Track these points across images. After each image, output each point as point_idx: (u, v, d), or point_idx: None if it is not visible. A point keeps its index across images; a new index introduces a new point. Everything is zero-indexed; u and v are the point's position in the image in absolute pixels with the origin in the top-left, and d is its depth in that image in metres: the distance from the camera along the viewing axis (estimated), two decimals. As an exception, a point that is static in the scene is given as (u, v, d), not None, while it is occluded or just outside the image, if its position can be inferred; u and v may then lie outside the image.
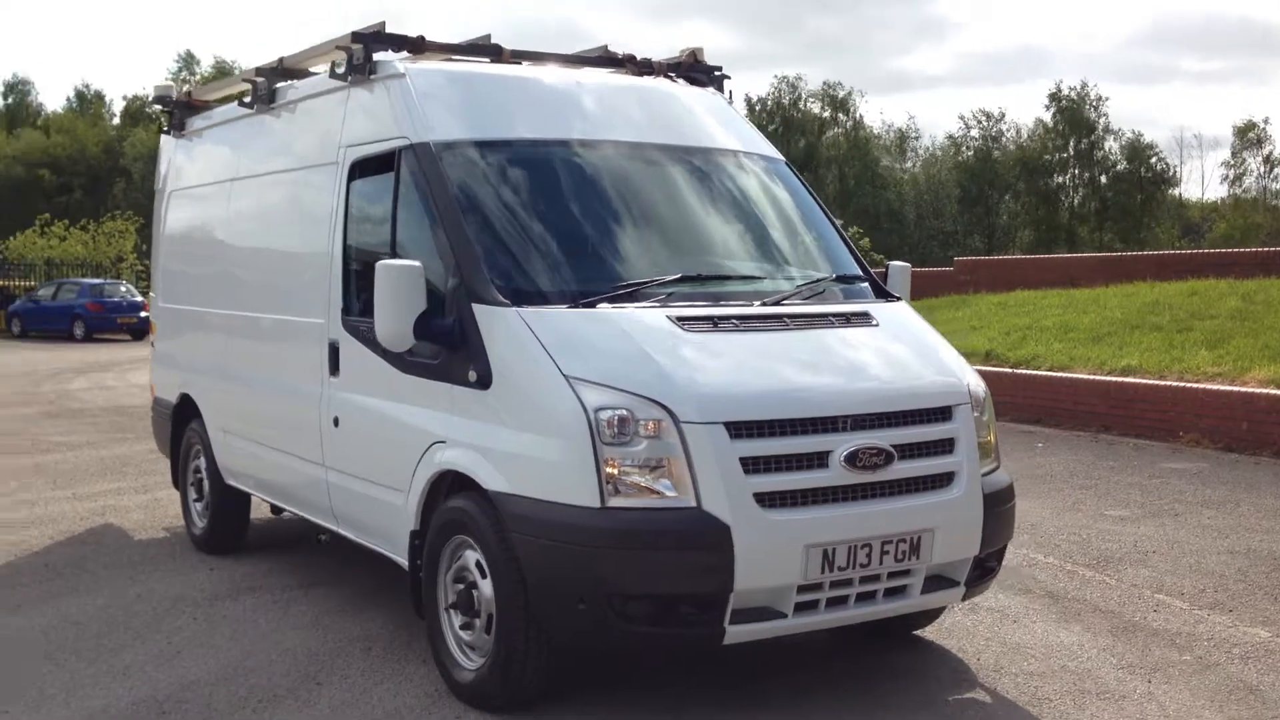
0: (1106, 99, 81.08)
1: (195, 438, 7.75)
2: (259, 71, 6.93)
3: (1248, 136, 66.89)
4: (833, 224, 6.09)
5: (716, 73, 6.62)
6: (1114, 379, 12.96)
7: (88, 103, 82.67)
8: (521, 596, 4.52)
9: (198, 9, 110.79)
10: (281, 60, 6.78)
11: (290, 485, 6.60)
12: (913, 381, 4.98)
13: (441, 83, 5.60)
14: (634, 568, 4.33)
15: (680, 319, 4.76)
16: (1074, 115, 68.52)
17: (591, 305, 4.79)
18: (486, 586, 4.71)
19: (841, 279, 5.68)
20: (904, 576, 4.76)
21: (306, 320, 6.13)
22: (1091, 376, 13.27)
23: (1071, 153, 69.48)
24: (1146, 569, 7.09)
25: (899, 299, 5.76)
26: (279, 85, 6.83)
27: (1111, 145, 69.22)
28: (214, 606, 6.38)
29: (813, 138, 71.21)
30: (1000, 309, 18.45)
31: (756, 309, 5.05)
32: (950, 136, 74.03)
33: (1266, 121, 77.13)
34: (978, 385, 5.20)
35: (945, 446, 4.89)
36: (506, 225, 5.13)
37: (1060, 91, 68.65)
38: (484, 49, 6.07)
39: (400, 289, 4.86)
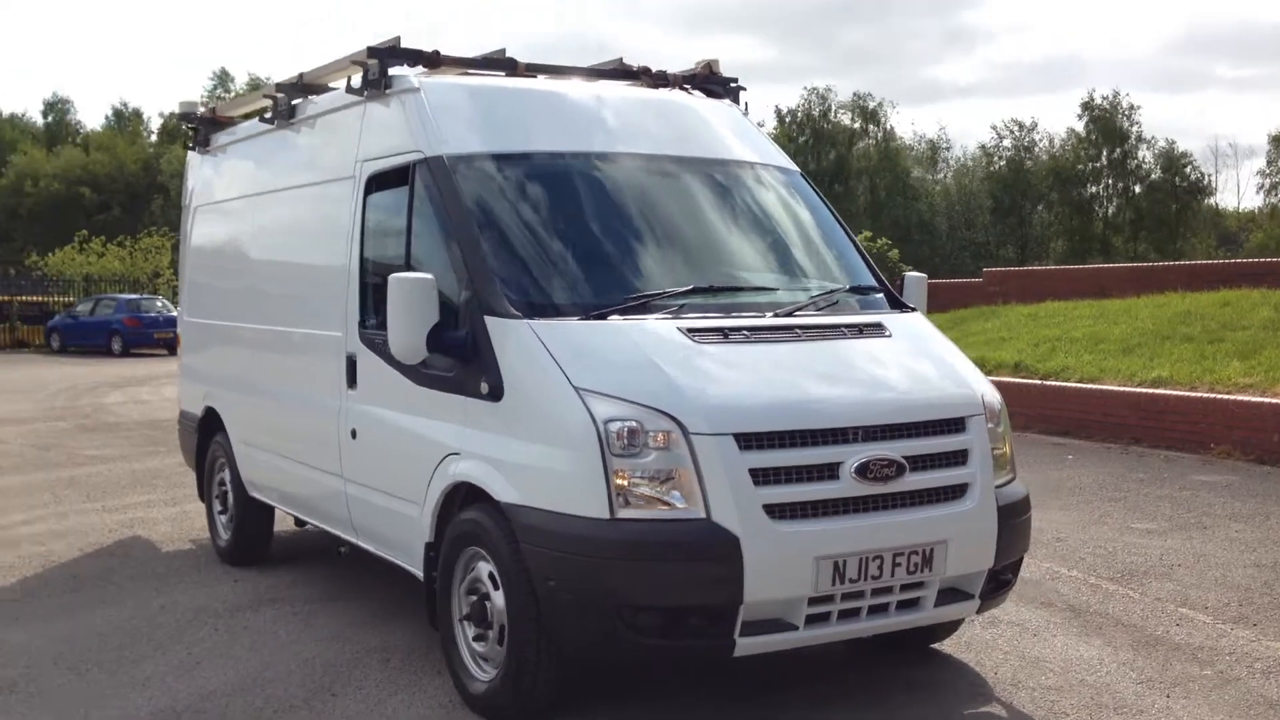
0: (1139, 108, 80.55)
1: (219, 450, 7.83)
2: (279, 87, 7.01)
3: (1284, 144, 66.11)
4: (848, 235, 6.07)
5: (732, 84, 6.62)
6: (1144, 390, 12.82)
7: (126, 120, 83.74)
8: (533, 608, 4.53)
9: (234, 28, 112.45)
10: (301, 76, 6.84)
11: (311, 497, 6.65)
12: (925, 392, 4.95)
13: (456, 96, 5.64)
14: (643, 579, 4.33)
15: (691, 330, 4.76)
16: (1107, 124, 67.92)
17: (603, 317, 4.80)
18: (499, 598, 4.73)
19: (856, 290, 5.67)
20: (917, 589, 4.73)
21: (325, 333, 6.18)
22: (1122, 388, 13.13)
23: (1105, 162, 68.82)
24: (1171, 582, 7.01)
25: (914, 310, 5.73)
26: (298, 101, 6.91)
27: (1145, 154, 68.67)
28: (235, 618, 6.43)
29: (843, 149, 70.95)
30: (1030, 320, 18.29)
31: (768, 320, 5.05)
32: (982, 147, 73.59)
33: (1303, 129, 76.35)
34: (992, 396, 5.16)
35: (958, 458, 4.85)
36: (519, 237, 5.15)
37: (1093, 100, 68.21)
38: (499, 63, 6.11)
39: (413, 302, 4.90)
